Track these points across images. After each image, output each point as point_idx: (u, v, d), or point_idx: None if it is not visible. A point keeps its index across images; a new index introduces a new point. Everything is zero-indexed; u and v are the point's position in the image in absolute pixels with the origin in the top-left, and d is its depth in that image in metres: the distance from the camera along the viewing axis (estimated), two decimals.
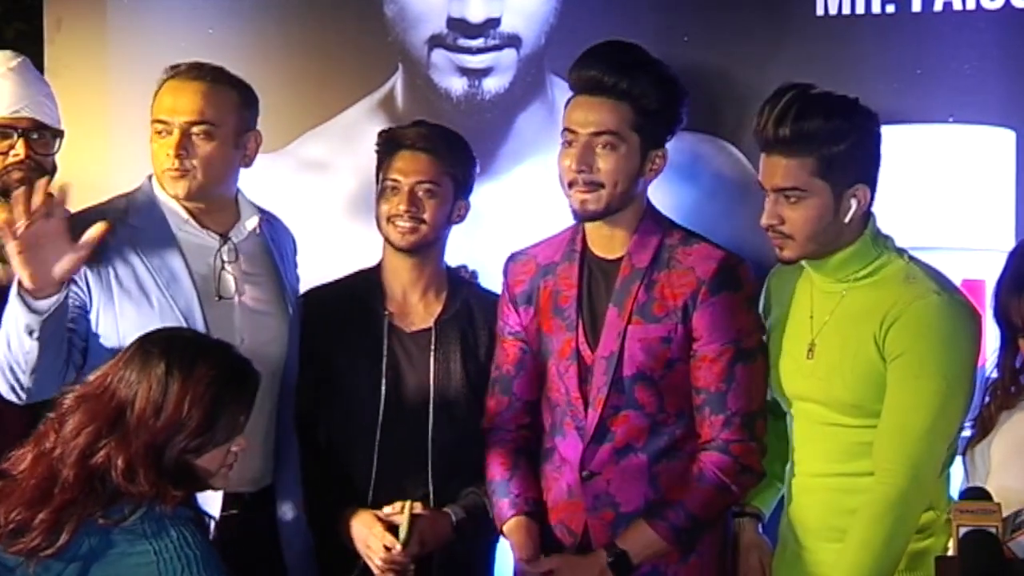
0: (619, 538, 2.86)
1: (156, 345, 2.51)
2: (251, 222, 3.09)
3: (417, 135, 3.11)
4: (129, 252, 2.96)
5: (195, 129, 2.97)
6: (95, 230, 2.75)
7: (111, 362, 2.55)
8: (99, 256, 2.90)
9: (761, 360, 2.87)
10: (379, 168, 3.14)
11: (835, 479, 2.81)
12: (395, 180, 3.08)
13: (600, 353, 2.89)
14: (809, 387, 2.82)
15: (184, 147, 2.95)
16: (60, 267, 2.72)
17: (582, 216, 2.90)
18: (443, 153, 3.09)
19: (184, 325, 2.91)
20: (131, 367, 2.49)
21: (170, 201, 3.02)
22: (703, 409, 2.87)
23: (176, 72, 3.03)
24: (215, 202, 3.04)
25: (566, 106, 2.92)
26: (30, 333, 2.74)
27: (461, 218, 3.15)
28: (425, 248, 3.10)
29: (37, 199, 2.67)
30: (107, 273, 2.94)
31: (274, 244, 3.16)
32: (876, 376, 2.74)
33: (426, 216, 3.06)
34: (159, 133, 2.98)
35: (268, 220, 3.17)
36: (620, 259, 2.92)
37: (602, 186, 2.84)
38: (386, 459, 3.06)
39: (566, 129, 2.88)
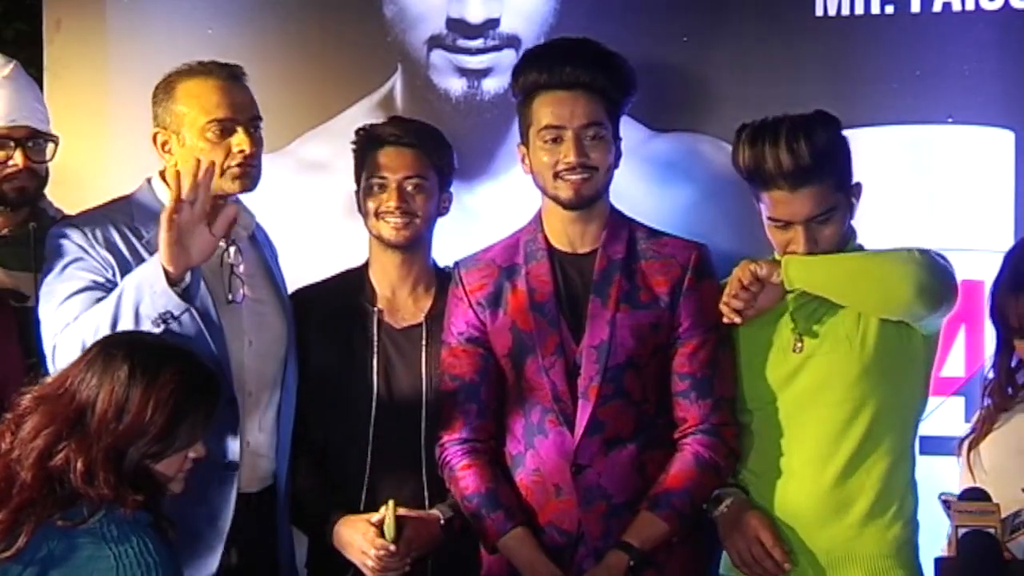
0: (627, 533, 2.87)
1: (119, 348, 2.48)
2: (249, 224, 3.09)
3: (400, 130, 3.13)
4: (144, 257, 2.91)
5: (253, 125, 2.99)
6: (226, 216, 2.79)
7: (71, 363, 2.52)
8: (118, 269, 2.89)
9: (731, 348, 2.94)
10: (360, 166, 3.15)
11: (827, 463, 2.84)
12: (382, 177, 3.09)
13: (588, 343, 2.91)
14: (800, 378, 2.86)
15: (253, 143, 2.97)
16: (198, 251, 2.74)
17: (576, 203, 2.94)
18: (427, 147, 3.12)
19: (202, 328, 2.89)
20: (93, 369, 2.45)
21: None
22: (689, 394, 2.92)
23: (207, 71, 2.99)
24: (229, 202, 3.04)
25: (525, 104, 2.97)
26: (164, 321, 2.73)
27: (446, 210, 3.18)
28: (416, 243, 3.12)
29: (187, 184, 2.71)
30: (112, 282, 2.89)
31: (264, 246, 3.17)
32: (901, 334, 2.84)
33: (418, 211, 3.09)
34: (219, 133, 2.94)
35: (257, 224, 3.17)
36: (591, 253, 2.97)
37: (596, 170, 2.92)
38: (379, 456, 3.06)
39: (548, 126, 2.92)
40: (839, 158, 2.86)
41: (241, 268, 3.02)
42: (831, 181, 2.82)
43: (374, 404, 3.07)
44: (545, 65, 2.96)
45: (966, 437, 2.85)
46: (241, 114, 2.97)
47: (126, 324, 2.72)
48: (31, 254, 3.10)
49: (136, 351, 2.48)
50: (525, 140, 3.00)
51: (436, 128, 3.20)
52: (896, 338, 2.85)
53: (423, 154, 3.11)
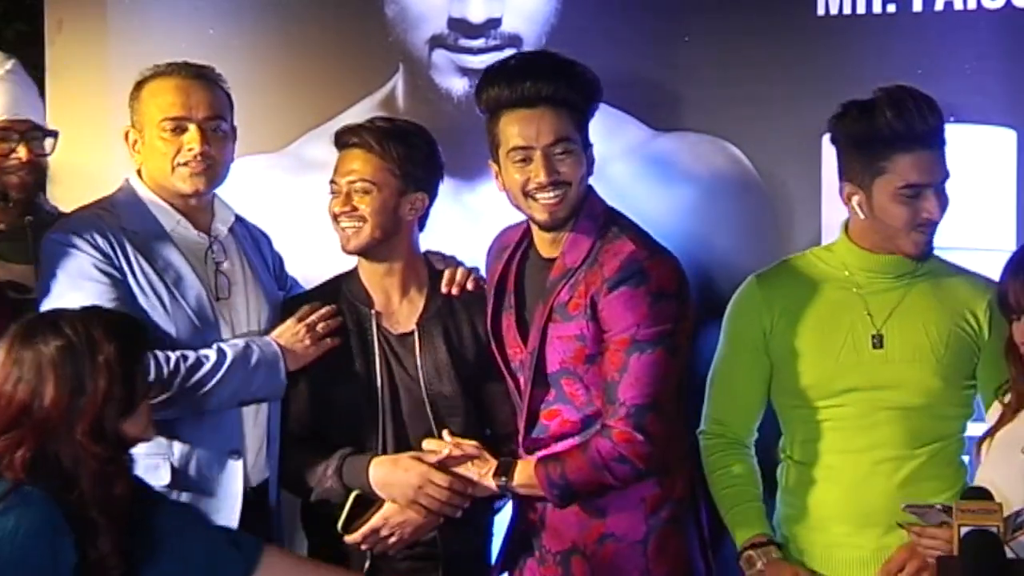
0: (515, 467, 2.96)
1: (40, 335, 2.44)
2: (228, 219, 3.11)
3: (353, 133, 3.05)
4: (134, 257, 2.95)
5: (211, 125, 3.00)
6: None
7: None
8: (113, 269, 2.91)
9: (662, 353, 2.85)
10: None
11: (904, 463, 2.86)
12: (335, 182, 3.05)
13: (527, 348, 2.96)
14: (879, 374, 2.87)
15: (208, 142, 2.97)
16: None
17: (552, 225, 2.93)
18: (379, 148, 3.01)
19: (196, 322, 2.93)
20: (20, 366, 2.42)
21: (158, 200, 3.02)
22: (604, 396, 2.90)
23: (170, 71, 3.03)
24: (205, 200, 3.06)
25: (490, 123, 2.93)
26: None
27: (417, 211, 3.07)
28: (381, 247, 3.05)
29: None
30: (124, 283, 2.93)
31: (246, 241, 3.17)
32: (970, 352, 2.91)
33: (365, 214, 3.01)
34: (170, 131, 2.98)
35: (238, 219, 3.18)
36: (556, 259, 2.96)
37: (568, 185, 2.88)
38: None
39: (515, 148, 2.89)
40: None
41: (225, 265, 3.03)
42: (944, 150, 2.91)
43: (380, 410, 3.04)
44: (506, 81, 2.91)
45: (984, 435, 2.84)
46: (195, 113, 2.98)
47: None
48: (29, 247, 3.11)
49: (59, 331, 2.44)
50: (495, 158, 2.98)
51: (410, 128, 3.10)
52: (968, 351, 2.90)
53: (373, 156, 3.01)
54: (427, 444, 3.00)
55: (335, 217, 3.05)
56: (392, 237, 3.05)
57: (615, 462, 2.86)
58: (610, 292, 2.85)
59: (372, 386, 3.05)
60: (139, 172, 3.06)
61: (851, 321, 2.91)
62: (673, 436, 2.95)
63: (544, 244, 3.00)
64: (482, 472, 2.97)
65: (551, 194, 2.88)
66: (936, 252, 2.98)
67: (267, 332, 3.06)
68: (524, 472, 2.94)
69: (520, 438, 2.99)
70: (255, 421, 3.04)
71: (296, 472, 3.07)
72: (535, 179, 2.88)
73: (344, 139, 3.07)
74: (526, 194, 2.90)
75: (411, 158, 3.05)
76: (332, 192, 3.06)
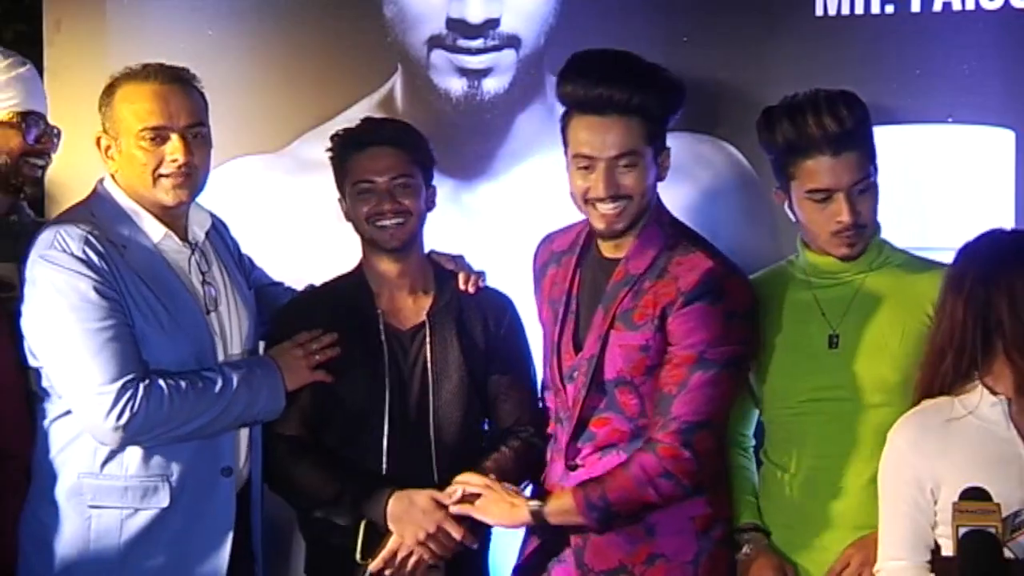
0: (550, 497, 2.91)
1: None
2: (205, 223, 3.03)
3: (378, 131, 3.06)
4: (129, 277, 2.86)
5: (192, 131, 2.90)
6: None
7: None
8: (112, 291, 2.82)
9: (725, 375, 2.82)
10: (341, 172, 3.08)
11: (869, 463, 2.80)
12: (370, 181, 3.02)
13: (583, 354, 2.90)
14: (837, 374, 2.87)
15: (190, 151, 2.88)
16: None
17: (610, 235, 2.88)
18: (407, 144, 3.05)
19: (194, 341, 2.89)
20: None
21: (140, 211, 2.93)
22: (656, 408, 2.85)
23: (145, 75, 2.92)
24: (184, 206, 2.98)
25: (563, 120, 2.87)
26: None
27: (433, 204, 3.11)
28: (411, 244, 3.07)
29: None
30: (125, 305, 2.84)
31: (216, 240, 3.09)
32: None
33: (411, 208, 3.02)
34: (150, 140, 2.87)
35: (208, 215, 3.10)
36: (619, 260, 2.91)
37: (629, 198, 2.83)
38: (393, 461, 3.03)
39: (579, 154, 2.83)
40: (870, 130, 2.89)
41: (209, 274, 2.98)
42: (867, 150, 2.85)
43: (387, 408, 3.03)
44: (578, 82, 2.82)
45: None
46: (176, 121, 2.88)
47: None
48: (12, 245, 3.04)
49: None
50: (565, 151, 2.90)
51: (410, 124, 3.14)
52: None
53: (405, 152, 3.04)
54: (458, 480, 2.96)
55: (371, 217, 3.02)
56: (420, 232, 3.11)
57: (660, 478, 2.81)
58: (685, 306, 2.80)
59: (380, 386, 3.04)
60: (113, 177, 2.96)
61: (809, 323, 2.91)
62: (722, 452, 2.95)
63: (607, 245, 2.94)
64: (516, 501, 2.91)
65: (611, 206, 2.83)
66: (934, 254, 2.98)
67: (251, 338, 3.03)
68: (560, 498, 2.88)
69: (564, 447, 2.94)
70: (241, 432, 3.01)
71: (300, 487, 3.06)
72: (595, 190, 2.82)
73: (367, 138, 3.05)
74: (586, 200, 2.86)
75: (427, 153, 3.10)
76: (363, 192, 3.02)
